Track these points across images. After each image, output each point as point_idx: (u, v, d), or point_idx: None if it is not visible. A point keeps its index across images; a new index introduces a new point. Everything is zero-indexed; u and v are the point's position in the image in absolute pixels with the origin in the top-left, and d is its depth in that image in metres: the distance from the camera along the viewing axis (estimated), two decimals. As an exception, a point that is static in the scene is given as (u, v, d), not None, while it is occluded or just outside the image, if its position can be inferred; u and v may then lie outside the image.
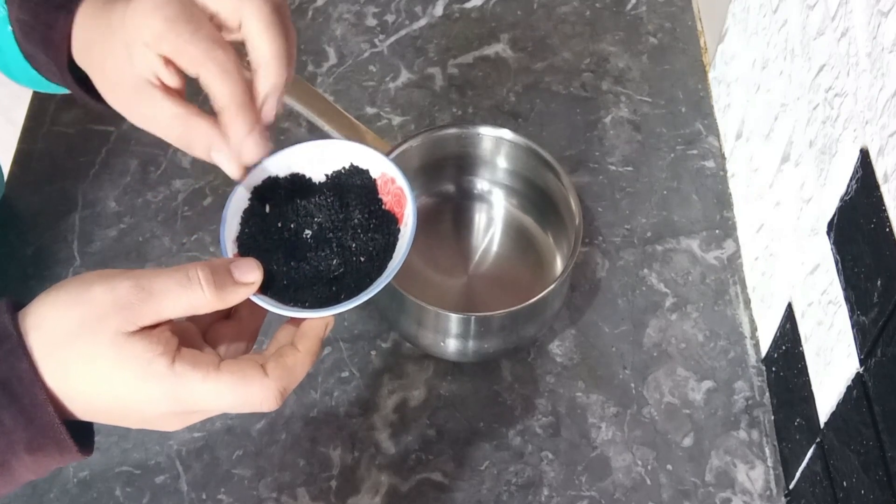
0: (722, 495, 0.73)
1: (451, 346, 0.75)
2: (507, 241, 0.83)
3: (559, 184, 0.78)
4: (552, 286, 0.72)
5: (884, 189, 0.56)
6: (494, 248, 0.83)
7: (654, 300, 0.83)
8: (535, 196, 0.82)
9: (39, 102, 0.94)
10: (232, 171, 0.53)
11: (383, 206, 0.57)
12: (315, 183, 0.57)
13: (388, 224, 0.56)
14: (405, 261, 0.53)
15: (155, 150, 0.90)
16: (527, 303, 0.71)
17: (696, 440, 0.76)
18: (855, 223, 0.60)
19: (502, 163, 0.83)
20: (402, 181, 0.56)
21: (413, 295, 0.71)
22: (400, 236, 0.56)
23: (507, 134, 0.80)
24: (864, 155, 0.58)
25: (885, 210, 0.56)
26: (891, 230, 0.55)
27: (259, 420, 0.76)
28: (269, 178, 0.56)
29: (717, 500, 0.73)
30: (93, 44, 0.54)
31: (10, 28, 0.58)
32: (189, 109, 0.52)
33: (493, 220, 0.84)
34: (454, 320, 0.72)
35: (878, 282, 0.56)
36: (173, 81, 0.52)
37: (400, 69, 0.97)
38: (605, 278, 0.84)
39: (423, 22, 1.01)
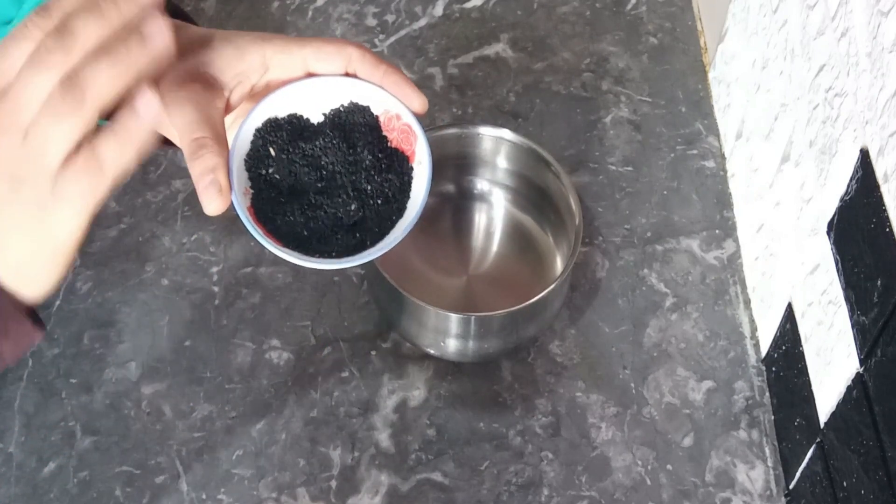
0: (722, 495, 0.73)
1: (451, 346, 0.75)
2: (507, 241, 0.83)
3: (559, 184, 0.78)
4: (552, 286, 0.72)
5: (884, 189, 0.56)
6: (494, 248, 0.83)
7: (654, 300, 0.83)
8: (535, 196, 0.82)
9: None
10: (217, 204, 0.50)
11: (390, 144, 0.55)
12: (314, 123, 0.55)
13: (399, 163, 0.54)
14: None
15: (155, 151, 0.90)
16: (527, 303, 0.71)
17: (696, 440, 0.76)
18: (855, 223, 0.60)
19: (502, 163, 0.83)
20: (409, 117, 0.54)
21: (413, 295, 0.71)
22: (415, 175, 0.54)
23: (507, 134, 0.80)
24: (864, 155, 0.58)
25: (885, 210, 0.56)
26: (891, 230, 0.55)
27: (259, 420, 0.76)
28: (269, 119, 0.54)
29: (717, 500, 0.73)
30: None
31: None
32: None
33: (493, 220, 0.84)
34: (454, 320, 0.72)
35: (878, 282, 0.56)
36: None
37: (400, 69, 0.97)
38: (605, 278, 0.84)
39: (423, 22, 1.01)
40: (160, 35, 0.43)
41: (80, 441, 0.75)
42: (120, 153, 0.43)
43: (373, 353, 0.80)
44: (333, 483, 0.73)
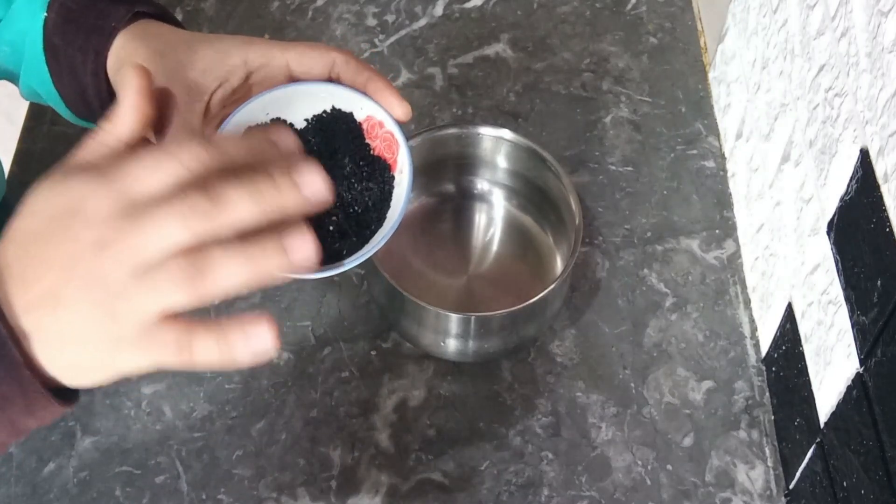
0: (722, 495, 0.73)
1: (451, 346, 0.75)
2: (507, 241, 0.83)
3: (559, 184, 0.78)
4: (552, 286, 0.72)
5: (884, 189, 0.56)
6: (494, 248, 0.83)
7: (654, 300, 0.83)
8: (535, 196, 0.82)
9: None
10: None
11: (372, 152, 0.54)
12: (296, 129, 0.54)
13: (381, 171, 0.54)
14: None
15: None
16: (527, 303, 0.71)
17: (696, 440, 0.76)
18: (855, 223, 0.60)
19: (502, 163, 0.83)
20: (392, 125, 0.53)
21: (413, 295, 0.71)
22: (396, 184, 0.53)
23: (507, 134, 0.80)
24: (864, 155, 0.58)
25: (885, 210, 0.56)
26: (891, 230, 0.55)
27: (259, 420, 0.76)
28: (249, 127, 0.53)
29: (717, 500, 0.73)
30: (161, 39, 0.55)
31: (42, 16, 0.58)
32: None
33: (493, 220, 0.84)
34: (454, 320, 0.72)
35: (878, 282, 0.56)
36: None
37: (400, 69, 0.97)
38: (605, 278, 0.84)
39: (423, 22, 1.01)
40: (302, 250, 0.41)
41: (80, 441, 0.75)
42: (212, 355, 0.41)
43: (373, 353, 0.80)
44: (333, 483, 0.73)
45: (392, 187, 0.53)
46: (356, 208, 0.52)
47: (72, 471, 0.74)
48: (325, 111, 0.55)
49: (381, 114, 0.54)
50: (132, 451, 0.75)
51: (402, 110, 0.54)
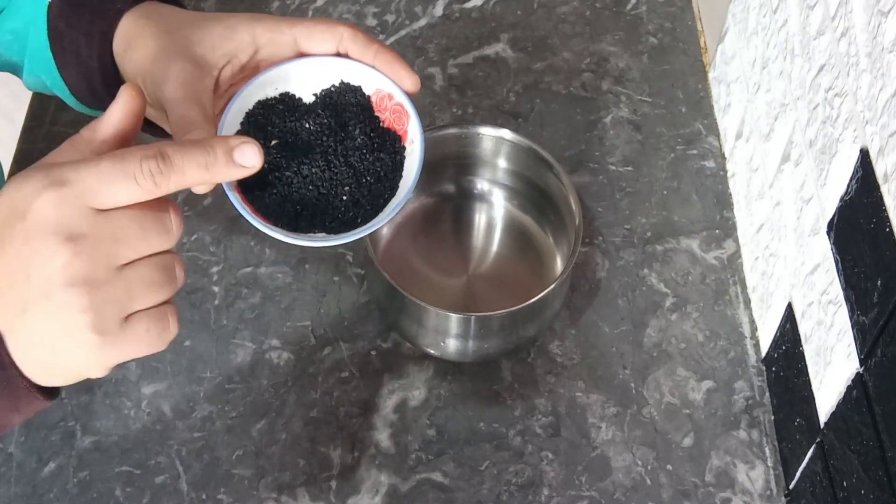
0: (722, 495, 0.73)
1: (451, 346, 0.75)
2: (507, 241, 0.83)
3: (559, 184, 0.78)
4: (552, 286, 0.72)
5: (884, 189, 0.56)
6: (494, 248, 0.83)
7: (654, 300, 0.83)
8: (535, 196, 0.82)
9: (39, 102, 0.94)
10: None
11: (382, 124, 0.55)
12: (306, 103, 0.55)
13: (391, 142, 0.54)
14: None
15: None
16: (527, 303, 0.71)
17: (696, 440, 0.76)
18: (855, 223, 0.60)
19: (502, 163, 0.83)
20: (401, 97, 0.54)
21: (413, 295, 0.71)
22: (407, 154, 0.54)
23: (507, 134, 0.80)
24: (864, 155, 0.58)
25: (885, 210, 0.56)
26: (891, 230, 0.55)
27: (259, 420, 0.76)
28: (259, 101, 0.54)
29: (717, 500, 0.73)
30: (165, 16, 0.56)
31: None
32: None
33: (493, 220, 0.84)
34: (454, 320, 0.72)
35: (878, 282, 0.56)
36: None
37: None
38: (605, 278, 0.84)
39: (423, 22, 1.01)
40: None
41: (80, 441, 0.75)
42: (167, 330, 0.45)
43: (373, 353, 0.80)
44: (333, 483, 0.73)
45: (403, 157, 0.54)
46: (368, 178, 0.53)
47: (72, 471, 0.74)
48: (333, 85, 0.55)
49: (389, 86, 0.54)
50: (132, 451, 0.75)
51: (411, 82, 0.55)
